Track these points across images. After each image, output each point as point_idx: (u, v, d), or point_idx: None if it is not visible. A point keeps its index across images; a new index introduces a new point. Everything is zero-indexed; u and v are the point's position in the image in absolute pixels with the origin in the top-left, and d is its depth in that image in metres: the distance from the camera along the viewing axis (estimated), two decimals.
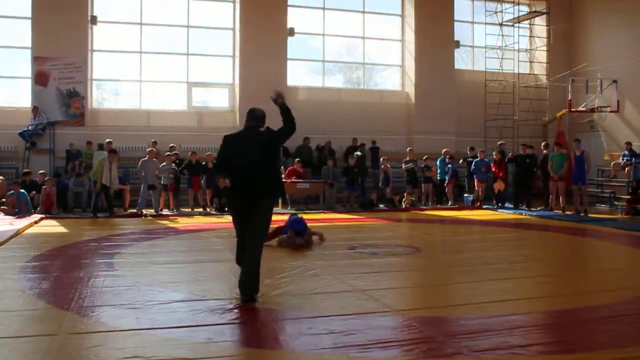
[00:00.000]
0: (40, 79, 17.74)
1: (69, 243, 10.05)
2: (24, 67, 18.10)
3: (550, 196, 16.48)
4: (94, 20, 18.56)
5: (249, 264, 5.91)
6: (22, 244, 9.96)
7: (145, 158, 15.37)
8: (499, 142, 18.98)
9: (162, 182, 15.72)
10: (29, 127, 17.28)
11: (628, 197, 16.13)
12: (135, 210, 14.98)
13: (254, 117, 6.30)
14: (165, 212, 15.52)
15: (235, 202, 6.26)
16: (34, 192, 15.07)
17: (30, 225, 12.45)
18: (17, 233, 11.06)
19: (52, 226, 12.75)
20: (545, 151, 17.11)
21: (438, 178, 18.18)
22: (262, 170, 6.00)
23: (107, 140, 16.49)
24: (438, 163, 18.22)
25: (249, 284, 5.90)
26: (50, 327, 5.04)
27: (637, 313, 5.77)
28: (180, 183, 16.23)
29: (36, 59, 17.71)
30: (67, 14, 17.77)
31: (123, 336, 4.82)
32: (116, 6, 19.45)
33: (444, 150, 18.53)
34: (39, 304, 5.88)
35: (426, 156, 18.41)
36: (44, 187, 15.00)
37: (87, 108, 18.25)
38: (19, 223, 12.37)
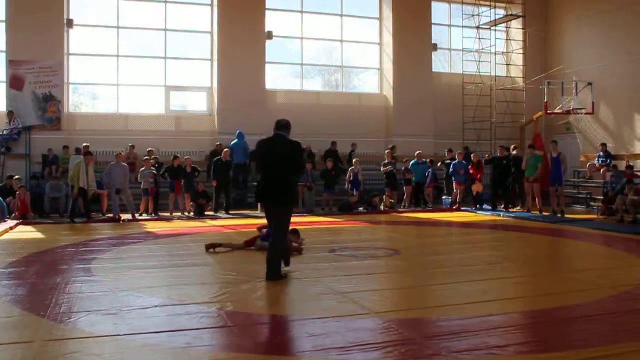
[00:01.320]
0: (15, 83, 17.51)
1: (45, 249, 9.93)
2: None
3: (527, 198, 16.65)
4: (70, 23, 18.39)
5: (270, 251, 7.23)
6: None
7: (113, 163, 15.22)
8: (464, 146, 19.28)
9: (142, 187, 15.63)
10: (4, 132, 17.05)
11: (603, 198, 16.34)
12: (112, 215, 14.84)
13: (280, 126, 7.49)
14: (144, 216, 15.43)
15: (261, 199, 7.56)
16: (10, 197, 14.86)
17: (6, 231, 12.27)
18: None
19: (28, 232, 12.59)
20: (514, 152, 17.36)
21: (414, 180, 18.17)
22: (283, 175, 7.12)
23: (84, 144, 16.32)
24: (410, 166, 18.14)
25: (268, 267, 7.11)
26: (26, 335, 4.97)
27: (613, 312, 5.85)
28: (159, 187, 16.14)
29: (11, 63, 17.49)
30: (43, 16, 17.57)
31: (101, 342, 4.77)
32: (93, 9, 19.26)
33: (417, 152, 18.54)
34: (15, 311, 5.79)
35: (406, 159, 18.50)
36: (17, 193, 14.79)
37: (63, 112, 18.05)
38: None
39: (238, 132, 17.94)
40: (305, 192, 17.04)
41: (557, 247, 11.01)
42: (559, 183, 15.84)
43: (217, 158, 16.58)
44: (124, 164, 15.39)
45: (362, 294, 6.53)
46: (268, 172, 7.18)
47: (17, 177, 15.60)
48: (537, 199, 16.13)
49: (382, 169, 18.50)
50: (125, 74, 19.35)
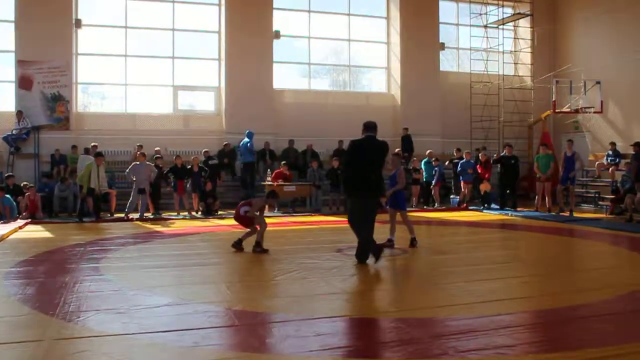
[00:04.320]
0: (24, 82, 17.60)
1: (54, 248, 9.97)
2: (8, 71, 17.94)
3: (537, 196, 16.61)
4: (78, 23, 18.47)
5: (359, 241, 8.32)
6: (6, 249, 9.86)
7: (137, 163, 15.25)
8: (481, 148, 19.15)
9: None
10: (13, 132, 17.13)
11: (612, 197, 16.27)
12: (122, 215, 14.88)
13: (370, 127, 8.35)
14: (152, 215, 15.46)
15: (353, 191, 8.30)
16: (20, 197, 14.93)
17: (15, 230, 12.33)
18: (1, 239, 10.96)
19: (37, 231, 12.64)
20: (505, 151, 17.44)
21: (424, 180, 18.20)
22: (374, 172, 8.05)
23: (93, 144, 16.38)
24: (422, 165, 18.21)
25: (359, 255, 8.30)
26: (35, 333, 4.99)
27: (621, 312, 5.83)
28: (156, 188, 16.08)
29: (20, 63, 17.58)
30: (52, 17, 17.63)
31: (109, 341, 4.79)
32: (101, 9, 19.32)
33: (428, 151, 18.58)
34: (24, 309, 5.83)
35: (414, 158, 18.48)
36: (27, 194, 14.84)
37: (72, 112, 18.13)
38: (3, 228, 12.25)
39: (247, 131, 17.94)
40: (312, 191, 17.03)
41: (565, 246, 10.96)
42: (571, 182, 15.78)
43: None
44: (148, 162, 15.41)
45: (370, 293, 6.53)
46: (361, 170, 8.05)
47: (24, 183, 15.64)
48: (547, 198, 16.08)
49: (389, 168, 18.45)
50: (133, 73, 19.40)
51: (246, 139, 17.86)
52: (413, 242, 9.87)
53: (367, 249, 8.19)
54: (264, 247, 9.42)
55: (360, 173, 8.08)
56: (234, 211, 10.30)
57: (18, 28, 17.63)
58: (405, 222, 10.08)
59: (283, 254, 9.30)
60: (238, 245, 9.59)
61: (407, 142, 19.81)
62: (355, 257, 8.29)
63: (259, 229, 9.62)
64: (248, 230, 9.73)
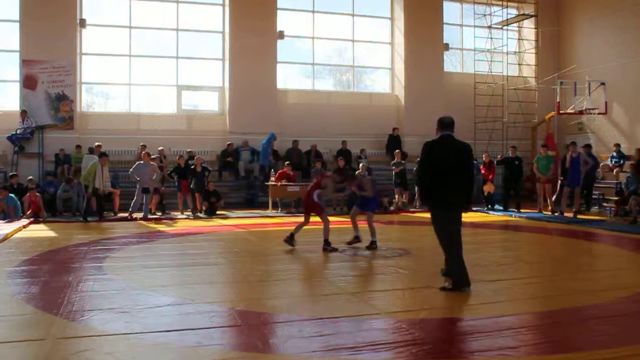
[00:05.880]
0: (28, 82, 17.64)
1: (58, 247, 9.99)
2: (12, 70, 18.00)
3: (538, 198, 16.57)
4: (82, 23, 18.51)
5: (457, 259, 6.67)
6: (10, 248, 9.88)
7: (142, 162, 15.27)
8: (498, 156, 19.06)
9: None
10: (18, 131, 17.18)
11: (616, 198, 16.22)
12: (125, 215, 14.89)
13: (447, 124, 7.10)
14: (156, 215, 15.48)
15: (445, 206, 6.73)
16: (25, 195, 14.93)
17: (19, 229, 12.36)
18: (5, 238, 10.98)
19: (41, 230, 12.66)
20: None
21: None
22: (461, 178, 6.63)
23: (97, 143, 16.40)
24: None
25: (460, 275, 6.60)
26: (38, 332, 5.00)
27: (624, 313, 5.81)
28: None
29: (25, 62, 17.62)
30: (56, 17, 17.70)
31: (112, 340, 4.79)
32: (105, 9, 19.37)
33: None
34: (28, 308, 5.83)
35: (418, 159, 18.42)
36: (28, 194, 14.82)
37: (76, 111, 18.16)
38: (7, 228, 12.27)
39: (271, 133, 18.07)
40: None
41: (568, 248, 10.93)
42: (577, 183, 15.74)
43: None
44: (151, 162, 15.44)
45: (373, 293, 6.53)
46: (445, 177, 6.60)
47: (30, 177, 15.67)
48: (548, 199, 16.04)
49: (393, 168, 18.44)
50: (137, 73, 19.45)
51: (263, 140, 17.93)
52: (372, 245, 9.74)
53: (463, 267, 6.69)
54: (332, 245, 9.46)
55: (447, 182, 6.60)
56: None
57: (23, 28, 17.68)
58: (369, 224, 9.92)
59: (286, 254, 9.29)
60: (290, 240, 9.65)
61: (394, 142, 19.79)
62: (455, 285, 6.59)
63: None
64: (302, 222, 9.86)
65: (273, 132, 18.20)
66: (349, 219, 10.30)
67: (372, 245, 9.70)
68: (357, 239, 9.94)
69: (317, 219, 9.89)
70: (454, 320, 5.45)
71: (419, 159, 7.00)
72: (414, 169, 18.07)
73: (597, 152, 20.44)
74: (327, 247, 9.41)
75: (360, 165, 17.85)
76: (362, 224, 10.02)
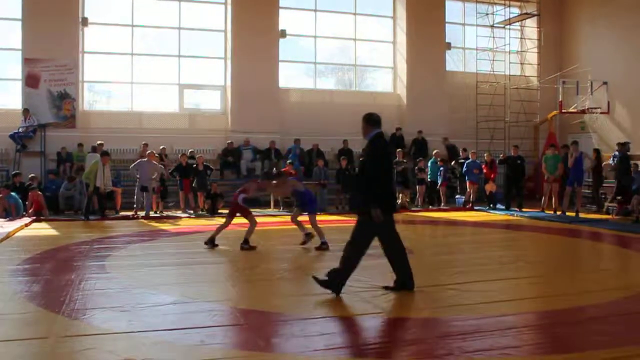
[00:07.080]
0: (30, 80, 17.64)
1: (60, 246, 10.00)
2: (15, 68, 17.99)
3: (543, 197, 16.57)
4: (85, 22, 18.49)
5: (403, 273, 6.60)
6: (12, 246, 9.90)
7: (145, 159, 15.28)
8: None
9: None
10: (20, 130, 17.17)
11: (618, 197, 16.19)
12: (127, 213, 14.90)
13: (378, 121, 6.79)
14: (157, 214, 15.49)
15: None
16: (29, 194, 14.95)
17: (21, 228, 12.37)
18: (7, 236, 10.99)
19: (43, 229, 12.68)
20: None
21: (429, 179, 18.15)
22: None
23: (99, 142, 16.38)
24: (429, 165, 18.19)
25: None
26: (40, 330, 5.01)
27: (627, 313, 5.80)
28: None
29: (27, 61, 17.62)
30: (58, 15, 17.67)
31: (114, 339, 4.80)
32: (107, 8, 19.35)
33: (435, 152, 18.55)
34: (30, 307, 5.84)
35: (420, 158, 18.45)
36: (30, 193, 14.84)
37: (78, 110, 18.16)
38: (9, 226, 12.29)
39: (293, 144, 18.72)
40: (318, 190, 16.99)
41: (570, 247, 10.92)
42: (578, 183, 15.74)
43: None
44: (154, 162, 15.44)
45: (375, 292, 6.52)
46: (390, 179, 6.66)
47: (31, 175, 15.68)
48: (554, 199, 16.03)
49: (394, 167, 18.42)
50: (140, 72, 19.41)
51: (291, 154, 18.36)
52: (323, 246, 9.54)
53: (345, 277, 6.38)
54: (251, 244, 9.49)
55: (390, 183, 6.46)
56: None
57: (25, 26, 17.67)
58: (313, 226, 9.77)
59: (288, 253, 9.30)
60: (211, 243, 9.69)
61: (396, 141, 19.78)
62: (327, 284, 6.34)
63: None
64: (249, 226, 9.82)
65: (295, 144, 18.77)
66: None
67: (323, 246, 9.52)
68: (324, 244, 9.63)
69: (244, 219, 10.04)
70: (456, 319, 5.45)
71: (363, 158, 6.62)
72: (416, 167, 18.12)
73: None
74: (245, 245, 9.45)
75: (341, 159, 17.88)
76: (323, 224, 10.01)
